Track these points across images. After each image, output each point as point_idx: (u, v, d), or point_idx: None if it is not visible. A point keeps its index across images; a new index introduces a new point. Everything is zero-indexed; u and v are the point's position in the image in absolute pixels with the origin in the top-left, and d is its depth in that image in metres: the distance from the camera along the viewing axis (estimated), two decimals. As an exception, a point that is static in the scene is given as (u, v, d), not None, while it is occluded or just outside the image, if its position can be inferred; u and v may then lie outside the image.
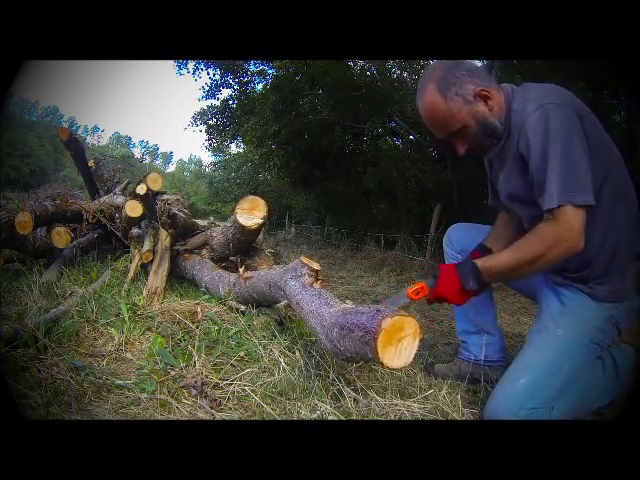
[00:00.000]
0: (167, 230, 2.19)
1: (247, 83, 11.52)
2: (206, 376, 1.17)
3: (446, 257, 1.40)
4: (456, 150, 1.06)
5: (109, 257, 2.42)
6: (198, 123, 14.45)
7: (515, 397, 0.96)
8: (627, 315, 1.03)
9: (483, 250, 1.19)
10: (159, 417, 0.97)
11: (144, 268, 2.14)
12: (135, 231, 2.84)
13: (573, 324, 1.01)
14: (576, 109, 0.94)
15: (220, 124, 13.21)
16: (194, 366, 1.22)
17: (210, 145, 14.24)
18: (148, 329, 1.51)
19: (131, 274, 2.04)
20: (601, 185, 0.96)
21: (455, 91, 0.98)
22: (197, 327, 1.48)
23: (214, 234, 2.26)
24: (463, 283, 1.02)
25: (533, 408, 0.95)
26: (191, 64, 10.89)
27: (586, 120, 0.95)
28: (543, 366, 0.98)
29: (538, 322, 1.09)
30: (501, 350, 1.34)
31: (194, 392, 1.07)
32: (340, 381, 1.13)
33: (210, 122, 13.50)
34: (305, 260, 1.33)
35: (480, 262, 1.02)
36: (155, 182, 2.52)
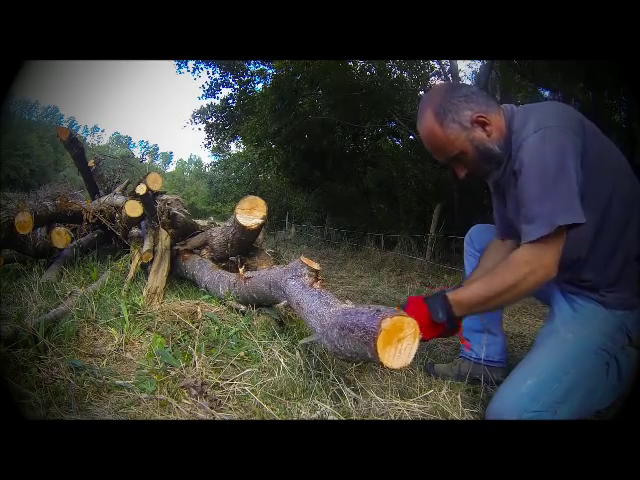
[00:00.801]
0: (167, 230, 2.19)
1: (247, 82, 11.54)
2: (206, 376, 1.17)
3: (465, 254, 1.40)
4: (456, 174, 1.06)
5: (109, 257, 2.42)
6: (197, 121, 14.48)
7: (520, 398, 0.96)
8: (638, 324, 1.02)
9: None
10: (159, 417, 0.97)
11: (144, 268, 2.14)
12: (135, 231, 2.84)
13: (583, 329, 1.01)
14: (578, 131, 0.93)
15: (220, 123, 13.24)
16: (194, 366, 1.22)
17: (209, 144, 14.26)
18: (148, 329, 1.51)
19: (131, 274, 2.04)
20: (609, 198, 0.96)
21: (452, 118, 0.98)
22: (197, 327, 1.48)
23: (214, 234, 2.26)
24: (433, 315, 0.99)
25: (537, 411, 0.94)
26: (191, 63, 10.92)
27: (590, 139, 0.94)
28: (550, 369, 0.98)
29: (549, 325, 1.09)
30: (502, 352, 1.35)
31: (194, 392, 1.07)
32: (340, 381, 1.13)
33: (209, 121, 13.53)
34: (305, 260, 1.33)
35: (451, 294, 0.99)
36: (155, 182, 2.53)
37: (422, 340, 0.98)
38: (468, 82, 9.24)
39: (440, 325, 1.00)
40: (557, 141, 0.90)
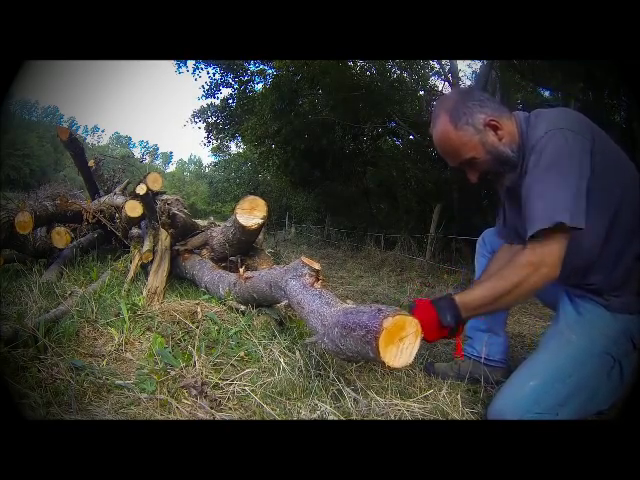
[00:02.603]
0: (167, 230, 2.19)
1: (247, 82, 11.55)
2: (206, 376, 1.17)
3: (477, 255, 1.42)
4: (468, 177, 1.07)
5: (109, 257, 2.42)
6: (197, 121, 14.49)
7: (522, 400, 0.96)
8: None
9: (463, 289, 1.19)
10: (159, 417, 0.97)
11: (144, 268, 2.14)
12: (135, 231, 2.84)
13: (587, 332, 1.01)
14: (588, 136, 0.93)
15: (220, 122, 13.26)
16: (194, 366, 1.22)
17: (209, 142, 14.27)
18: (148, 329, 1.51)
19: (131, 274, 2.04)
20: (619, 204, 0.96)
21: (466, 120, 0.99)
22: (197, 327, 1.48)
23: (214, 234, 2.26)
24: (440, 318, 0.99)
25: (539, 413, 0.94)
26: (190, 63, 10.94)
27: (600, 145, 0.95)
28: (554, 372, 0.98)
29: (553, 327, 1.09)
30: (504, 352, 1.35)
31: (194, 392, 1.07)
32: (340, 381, 1.13)
33: (209, 120, 13.54)
34: (305, 260, 1.33)
35: (458, 296, 1.01)
36: (155, 182, 2.53)
37: (426, 341, 1.00)
38: (468, 82, 9.25)
39: (447, 328, 1.01)
40: (566, 142, 0.91)
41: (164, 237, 2.17)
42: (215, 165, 27.76)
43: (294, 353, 1.32)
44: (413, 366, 1.36)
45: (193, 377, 1.13)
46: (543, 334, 1.13)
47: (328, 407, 1.01)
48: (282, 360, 1.25)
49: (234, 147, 20.42)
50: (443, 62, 8.30)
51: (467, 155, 1.01)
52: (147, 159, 54.92)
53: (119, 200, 2.76)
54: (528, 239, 0.94)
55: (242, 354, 1.32)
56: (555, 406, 0.96)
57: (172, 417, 0.98)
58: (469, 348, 1.37)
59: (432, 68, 9.50)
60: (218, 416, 1.00)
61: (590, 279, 1.03)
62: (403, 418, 1.02)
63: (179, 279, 2.26)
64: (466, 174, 1.07)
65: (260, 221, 1.94)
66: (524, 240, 0.98)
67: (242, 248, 2.15)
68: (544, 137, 0.94)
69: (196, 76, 11.27)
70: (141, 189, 2.42)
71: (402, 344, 0.85)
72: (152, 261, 2.08)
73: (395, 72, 9.14)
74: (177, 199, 2.48)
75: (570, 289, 1.10)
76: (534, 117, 1.02)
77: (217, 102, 12.82)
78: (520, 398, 0.96)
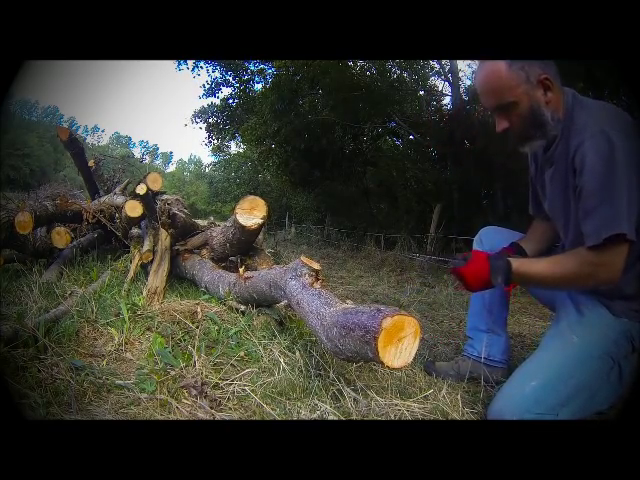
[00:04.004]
0: (167, 230, 2.19)
1: (247, 82, 11.56)
2: (206, 376, 1.17)
3: None
4: (497, 124, 1.03)
5: (109, 257, 2.42)
6: (198, 121, 14.51)
7: (523, 400, 0.96)
8: None
9: (517, 248, 1.21)
10: (159, 417, 0.97)
11: (144, 268, 2.14)
12: (135, 231, 2.84)
13: (589, 334, 1.01)
14: (634, 137, 0.92)
15: (220, 122, 13.28)
16: (194, 366, 1.22)
17: (210, 142, 14.30)
18: (148, 329, 1.51)
19: (131, 274, 2.04)
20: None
21: (522, 66, 0.96)
22: (197, 327, 1.48)
23: (214, 234, 2.26)
24: (492, 276, 1.02)
25: (539, 413, 0.94)
26: (190, 61, 10.93)
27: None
28: (555, 372, 0.97)
29: (555, 327, 1.09)
30: (505, 352, 1.34)
31: (194, 392, 1.07)
32: (340, 381, 1.13)
33: (210, 120, 13.57)
34: (305, 260, 1.33)
35: (515, 263, 1.02)
36: (155, 182, 2.53)
37: (468, 290, 1.10)
38: (468, 82, 9.24)
39: (490, 285, 1.04)
40: (621, 147, 0.89)
41: (164, 237, 2.17)
42: (215, 165, 27.75)
43: (294, 353, 1.32)
44: (413, 366, 1.36)
45: (193, 377, 1.13)
46: (544, 334, 1.13)
47: (328, 407, 1.01)
48: (282, 360, 1.25)
49: (234, 147, 20.44)
50: (443, 62, 8.31)
51: (509, 99, 0.98)
52: (147, 159, 54.92)
53: (119, 200, 2.76)
54: (591, 240, 0.92)
55: (242, 354, 1.32)
56: (555, 407, 0.95)
57: (172, 417, 0.98)
58: (469, 348, 1.37)
59: (432, 68, 9.50)
60: (218, 416, 1.00)
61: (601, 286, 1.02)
62: (403, 418, 1.02)
63: (179, 279, 2.26)
64: (496, 121, 1.03)
65: (260, 221, 1.94)
66: (564, 218, 1.02)
67: (242, 248, 2.14)
68: (600, 136, 0.91)
69: (195, 74, 11.30)
70: (141, 189, 2.42)
71: (401, 344, 0.86)
72: (152, 261, 2.08)
73: (395, 72, 9.15)
74: (177, 199, 2.48)
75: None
76: (582, 103, 1.01)
77: (217, 102, 12.85)
78: (520, 398, 0.96)
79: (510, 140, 1.06)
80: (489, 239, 1.35)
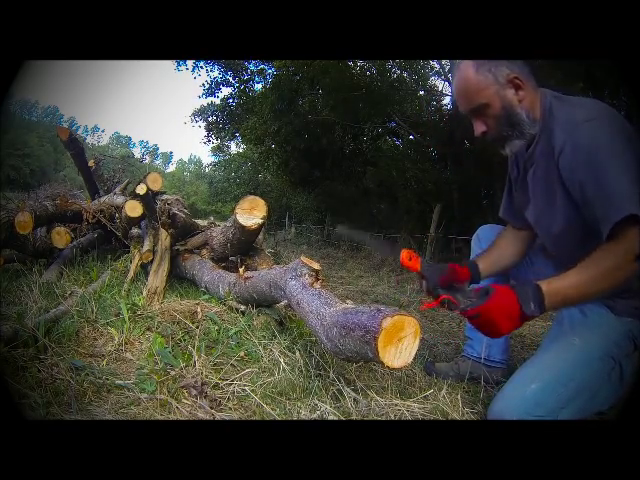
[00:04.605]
0: (167, 230, 2.19)
1: (247, 81, 11.55)
2: (206, 376, 1.17)
3: (472, 253, 1.40)
4: (474, 128, 1.04)
5: (109, 257, 2.42)
6: (197, 120, 14.52)
7: (524, 402, 0.95)
8: None
9: (471, 266, 1.16)
10: (159, 417, 0.97)
11: (144, 268, 2.14)
12: (135, 231, 2.84)
13: (591, 335, 1.00)
14: (624, 126, 0.91)
15: (220, 121, 13.29)
16: (194, 366, 1.22)
17: (209, 141, 14.31)
18: (148, 329, 1.51)
19: (131, 274, 2.04)
20: None
21: (488, 68, 0.97)
22: (197, 327, 1.48)
23: (214, 234, 2.26)
24: (523, 306, 0.87)
25: (539, 415, 0.93)
26: (190, 61, 10.93)
27: (633, 136, 0.91)
28: (556, 374, 0.97)
29: (557, 328, 1.08)
30: (504, 352, 1.34)
31: (194, 392, 1.07)
32: (340, 381, 1.13)
33: (210, 119, 13.58)
34: (305, 260, 1.33)
35: (545, 284, 0.89)
36: (155, 182, 2.53)
37: (500, 334, 0.90)
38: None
39: (527, 317, 0.89)
40: (612, 132, 0.88)
41: (164, 237, 2.17)
42: (215, 165, 27.73)
43: (294, 353, 1.32)
44: (413, 366, 1.36)
45: (193, 377, 1.13)
46: (545, 334, 1.13)
47: (328, 407, 1.01)
48: (282, 360, 1.25)
49: (234, 147, 20.45)
50: (443, 62, 8.31)
51: (480, 101, 0.99)
52: (147, 159, 54.92)
53: (119, 200, 2.76)
54: (610, 229, 0.86)
55: (242, 354, 1.32)
56: (555, 409, 0.95)
57: (172, 417, 0.98)
58: (469, 349, 1.36)
59: (432, 68, 9.51)
60: (218, 416, 1.00)
61: None
62: (403, 418, 1.02)
63: (179, 279, 2.26)
64: (473, 125, 1.04)
65: (260, 221, 1.94)
66: (526, 224, 1.00)
67: (242, 248, 2.15)
68: (592, 122, 0.89)
69: (195, 74, 11.30)
70: (141, 189, 2.42)
71: (401, 344, 0.86)
72: (152, 261, 2.08)
73: (395, 72, 9.15)
74: (177, 199, 2.48)
75: None
76: (563, 100, 1.00)
77: (217, 101, 12.85)
78: (520, 400, 0.95)
79: (490, 143, 1.06)
80: (486, 236, 1.35)
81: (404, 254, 1.09)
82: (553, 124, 0.98)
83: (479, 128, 1.03)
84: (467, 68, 0.99)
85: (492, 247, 1.23)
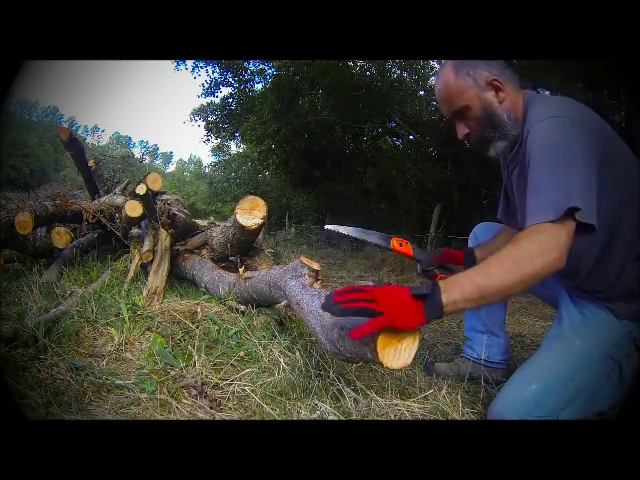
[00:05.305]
0: (167, 230, 2.19)
1: (247, 81, 11.55)
2: (206, 376, 1.17)
3: None
4: (457, 131, 1.05)
5: (109, 257, 2.42)
6: (197, 119, 14.53)
7: (524, 403, 0.95)
8: None
9: (468, 254, 1.18)
10: (159, 417, 0.97)
11: (144, 268, 2.14)
12: (135, 231, 2.84)
13: (591, 336, 1.00)
14: (594, 128, 0.91)
15: (219, 121, 13.30)
16: (194, 366, 1.22)
17: (209, 140, 14.32)
18: (148, 329, 1.51)
19: (131, 274, 2.04)
20: (620, 214, 0.94)
21: (467, 71, 0.98)
22: (197, 327, 1.48)
23: (214, 234, 2.26)
24: (413, 291, 0.79)
25: (540, 416, 0.93)
26: (190, 61, 10.93)
27: (605, 141, 0.91)
28: (556, 375, 0.97)
29: (556, 328, 1.08)
30: (504, 352, 1.34)
31: (194, 392, 1.07)
32: (340, 381, 1.13)
33: (209, 119, 13.59)
34: (305, 260, 1.33)
35: (444, 296, 0.79)
36: (155, 182, 2.53)
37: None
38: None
39: (419, 305, 0.79)
40: (572, 131, 0.88)
41: (164, 237, 2.17)
42: (215, 165, 27.71)
43: (294, 353, 1.32)
44: (413, 366, 1.36)
45: (193, 377, 1.13)
46: (545, 334, 1.13)
47: (328, 407, 1.01)
48: (282, 360, 1.25)
49: (234, 147, 20.46)
50: (443, 62, 8.30)
51: (460, 103, 1.00)
52: (147, 159, 54.94)
53: (119, 200, 2.76)
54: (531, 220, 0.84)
55: (242, 354, 1.32)
56: (556, 409, 0.95)
57: (172, 417, 0.98)
58: (469, 350, 1.36)
59: (432, 68, 9.51)
60: (218, 416, 1.00)
61: (596, 286, 1.01)
62: (403, 418, 1.02)
63: (179, 279, 2.26)
64: (456, 128, 1.05)
65: (260, 221, 1.94)
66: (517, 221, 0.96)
67: (242, 248, 2.14)
68: (547, 121, 0.90)
69: (195, 74, 11.31)
70: (141, 189, 2.42)
71: (400, 345, 0.85)
72: (152, 261, 2.08)
73: (395, 72, 9.16)
74: (177, 199, 2.48)
75: (575, 292, 1.08)
76: (539, 98, 1.01)
77: (217, 101, 12.86)
78: (521, 401, 0.95)
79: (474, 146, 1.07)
80: (484, 235, 1.35)
81: (394, 241, 1.09)
82: (527, 124, 0.98)
83: (462, 131, 1.04)
84: (447, 73, 1.01)
85: (490, 241, 1.25)
